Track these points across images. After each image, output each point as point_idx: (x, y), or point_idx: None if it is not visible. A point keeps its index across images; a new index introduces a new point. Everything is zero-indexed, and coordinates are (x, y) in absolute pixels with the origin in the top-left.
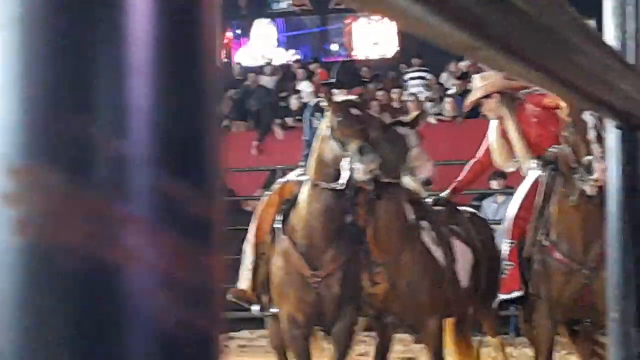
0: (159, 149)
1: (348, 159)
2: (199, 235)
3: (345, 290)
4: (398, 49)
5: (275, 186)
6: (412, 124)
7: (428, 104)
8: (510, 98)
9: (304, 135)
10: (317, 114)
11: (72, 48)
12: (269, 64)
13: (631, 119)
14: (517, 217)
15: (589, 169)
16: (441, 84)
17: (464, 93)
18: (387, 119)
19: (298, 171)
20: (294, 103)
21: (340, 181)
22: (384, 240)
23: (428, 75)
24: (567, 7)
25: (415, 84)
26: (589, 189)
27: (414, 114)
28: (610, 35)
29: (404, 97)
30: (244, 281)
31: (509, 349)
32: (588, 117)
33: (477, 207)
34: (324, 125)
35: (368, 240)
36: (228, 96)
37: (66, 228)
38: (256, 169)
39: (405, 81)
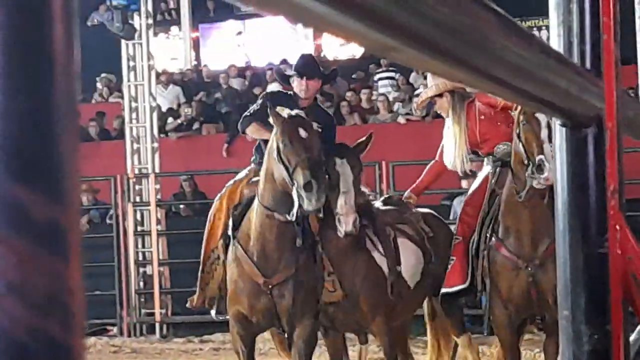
0: (4, 154)
1: (295, 191)
2: (48, 242)
3: (299, 297)
4: None
5: (223, 191)
6: (359, 149)
7: (397, 104)
8: (461, 96)
9: (250, 114)
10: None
11: None
12: (237, 66)
13: (575, 116)
14: (463, 213)
15: (540, 168)
16: (410, 84)
17: None
18: (357, 120)
19: (245, 171)
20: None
21: (291, 213)
22: (332, 253)
23: (397, 75)
24: (491, 7)
25: (384, 84)
26: (537, 184)
27: (360, 140)
28: (554, 32)
29: (374, 97)
30: (197, 289)
31: (484, 348)
32: (541, 116)
33: (448, 207)
34: (273, 143)
35: (321, 250)
36: (197, 99)
37: None
38: (227, 172)
39: (375, 81)
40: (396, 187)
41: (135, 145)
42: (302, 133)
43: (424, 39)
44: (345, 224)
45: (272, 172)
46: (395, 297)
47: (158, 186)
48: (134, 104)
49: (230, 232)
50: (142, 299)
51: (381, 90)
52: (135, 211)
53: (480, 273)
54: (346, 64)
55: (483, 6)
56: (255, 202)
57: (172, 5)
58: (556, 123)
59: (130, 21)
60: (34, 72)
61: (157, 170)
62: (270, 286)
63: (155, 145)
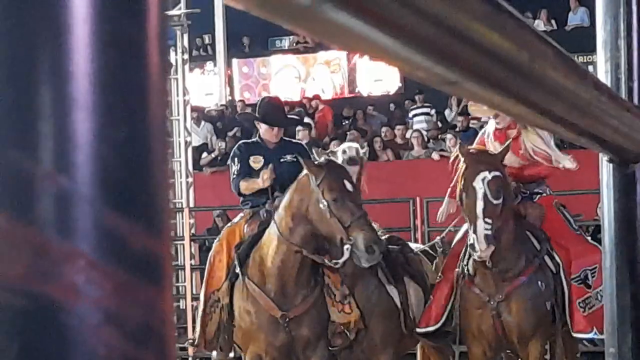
0: (103, 184)
1: (349, 247)
2: (144, 271)
3: (315, 329)
4: (400, 85)
5: (221, 234)
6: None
7: (432, 140)
8: None
9: (236, 175)
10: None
11: (13, 82)
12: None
13: (623, 153)
14: (450, 252)
15: (472, 247)
16: (446, 120)
17: (467, 129)
18: (390, 155)
19: (240, 215)
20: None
21: (340, 261)
22: (347, 280)
23: (432, 111)
24: (550, 43)
25: (419, 120)
26: (477, 258)
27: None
28: (602, 69)
29: (408, 134)
30: (196, 329)
31: None
32: (479, 184)
33: None
34: (314, 190)
35: (331, 277)
36: (232, 134)
37: (8, 264)
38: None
39: (410, 118)
40: (430, 224)
41: (170, 180)
42: (349, 186)
43: (484, 74)
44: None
45: (312, 220)
46: (404, 332)
47: (192, 221)
48: (169, 139)
49: (238, 270)
50: (176, 334)
51: (416, 127)
52: None
53: (457, 311)
54: (380, 99)
55: (542, 41)
56: (273, 240)
57: (207, 40)
58: (603, 159)
59: None
60: (131, 103)
61: (191, 205)
62: (287, 319)
63: (190, 180)
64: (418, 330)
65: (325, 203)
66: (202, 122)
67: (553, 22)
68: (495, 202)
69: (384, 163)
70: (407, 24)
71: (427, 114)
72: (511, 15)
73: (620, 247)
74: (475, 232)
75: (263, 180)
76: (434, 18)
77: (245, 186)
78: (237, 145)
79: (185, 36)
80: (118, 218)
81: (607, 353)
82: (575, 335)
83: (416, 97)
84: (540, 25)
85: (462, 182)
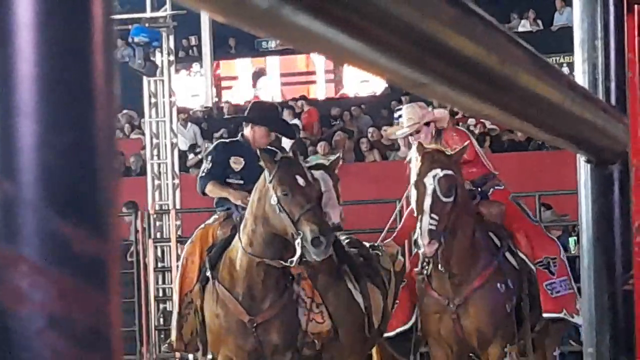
0: (47, 189)
1: (300, 241)
2: (91, 275)
3: (284, 335)
4: (387, 86)
5: (194, 235)
6: (331, 166)
7: None
8: (437, 130)
9: (205, 174)
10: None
11: None
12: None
13: (601, 153)
14: (412, 259)
15: (416, 243)
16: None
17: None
18: (377, 156)
19: (214, 217)
20: (283, 141)
21: (290, 260)
22: (317, 285)
23: None
24: (521, 45)
25: None
26: (422, 255)
27: (332, 157)
28: (579, 69)
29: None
30: (173, 332)
31: None
32: (429, 180)
33: None
34: (268, 190)
35: (303, 284)
36: (219, 135)
37: None
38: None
39: (396, 119)
40: None
41: (157, 182)
42: (300, 181)
43: (453, 77)
44: (334, 215)
45: (268, 217)
46: (367, 336)
47: (179, 222)
48: (155, 141)
49: (208, 273)
50: (162, 335)
51: None
52: (155, 247)
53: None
54: (367, 100)
55: (513, 43)
56: (239, 248)
57: (193, 42)
58: (581, 160)
59: (151, 58)
60: (76, 108)
61: (177, 207)
62: (255, 324)
63: (176, 181)
64: (385, 335)
65: (276, 198)
66: (189, 124)
67: (539, 22)
68: (444, 199)
69: (371, 164)
70: (372, 27)
71: None
72: (480, 18)
73: (598, 248)
74: (420, 227)
75: (234, 197)
76: (399, 21)
77: (211, 189)
78: (215, 144)
79: (171, 37)
80: (63, 223)
81: (585, 353)
82: (545, 315)
83: (402, 98)
84: (526, 25)
85: (415, 179)
